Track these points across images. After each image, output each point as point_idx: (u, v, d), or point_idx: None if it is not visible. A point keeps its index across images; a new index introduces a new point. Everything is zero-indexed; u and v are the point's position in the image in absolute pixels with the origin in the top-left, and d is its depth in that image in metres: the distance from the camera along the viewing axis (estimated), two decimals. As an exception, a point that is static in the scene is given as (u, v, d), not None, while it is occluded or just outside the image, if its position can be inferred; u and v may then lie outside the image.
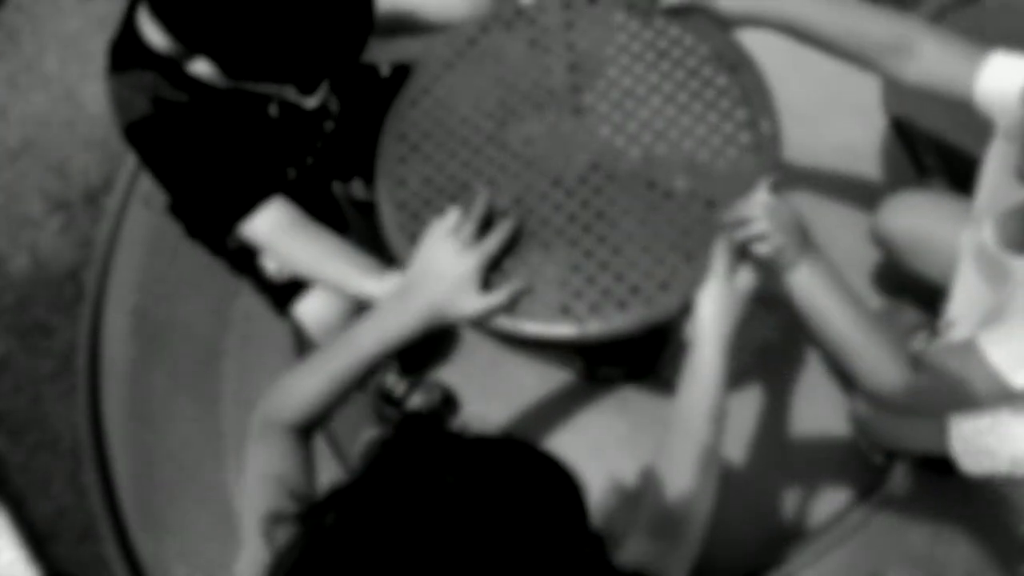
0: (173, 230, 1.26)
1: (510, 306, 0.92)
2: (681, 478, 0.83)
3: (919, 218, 1.19)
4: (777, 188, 0.93)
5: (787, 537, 1.36)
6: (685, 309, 0.91)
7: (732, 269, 0.89)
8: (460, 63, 1.09)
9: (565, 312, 0.92)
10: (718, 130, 0.98)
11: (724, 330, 0.87)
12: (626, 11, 1.07)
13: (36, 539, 1.58)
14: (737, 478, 1.42)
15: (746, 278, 0.90)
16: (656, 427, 0.91)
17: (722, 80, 1.00)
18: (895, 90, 1.31)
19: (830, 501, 1.37)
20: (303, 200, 1.05)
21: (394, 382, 1.53)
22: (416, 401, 1.50)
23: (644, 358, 1.50)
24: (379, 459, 0.53)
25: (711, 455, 0.85)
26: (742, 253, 0.90)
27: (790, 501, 1.39)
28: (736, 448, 1.44)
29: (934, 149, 1.35)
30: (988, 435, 1.02)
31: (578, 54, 1.05)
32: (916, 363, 0.87)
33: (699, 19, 1.04)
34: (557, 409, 1.52)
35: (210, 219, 1.06)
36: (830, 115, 1.62)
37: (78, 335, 1.76)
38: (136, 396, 1.68)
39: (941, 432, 1.07)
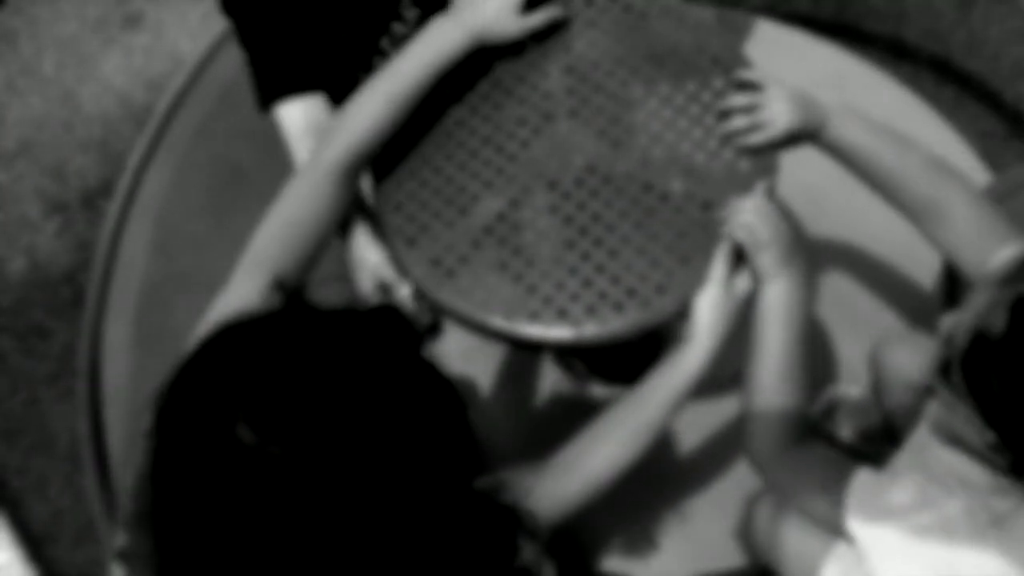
0: (173, 232, 1.26)
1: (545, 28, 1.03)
2: (603, 438, 0.88)
3: (908, 363, 1.16)
4: (772, 194, 0.93)
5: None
6: (682, 312, 0.91)
7: (731, 275, 0.90)
8: (456, 66, 1.09)
9: (562, 315, 0.92)
10: (714, 132, 0.98)
11: (717, 336, 0.88)
12: (623, 12, 1.07)
13: (33, 541, 1.58)
14: (730, 482, 1.42)
15: (744, 284, 0.90)
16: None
17: (719, 82, 1.01)
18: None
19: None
20: None
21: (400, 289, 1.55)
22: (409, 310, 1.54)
23: (639, 361, 1.50)
24: (351, 315, 0.58)
25: (644, 435, 0.88)
26: (739, 257, 0.90)
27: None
28: (730, 452, 1.44)
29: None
30: None
31: (574, 56, 1.05)
32: (808, 437, 0.88)
33: (696, 22, 1.05)
34: (540, 403, 1.53)
35: (265, 83, 1.08)
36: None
37: (78, 337, 1.76)
38: (135, 398, 1.68)
39: (812, 569, 1.01)
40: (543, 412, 1.53)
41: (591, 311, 0.92)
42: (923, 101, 1.71)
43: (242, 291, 0.79)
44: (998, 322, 0.67)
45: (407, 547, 0.53)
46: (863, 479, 0.82)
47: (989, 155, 1.63)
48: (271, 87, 1.05)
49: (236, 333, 0.56)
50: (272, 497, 0.49)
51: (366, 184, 1.06)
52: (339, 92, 1.04)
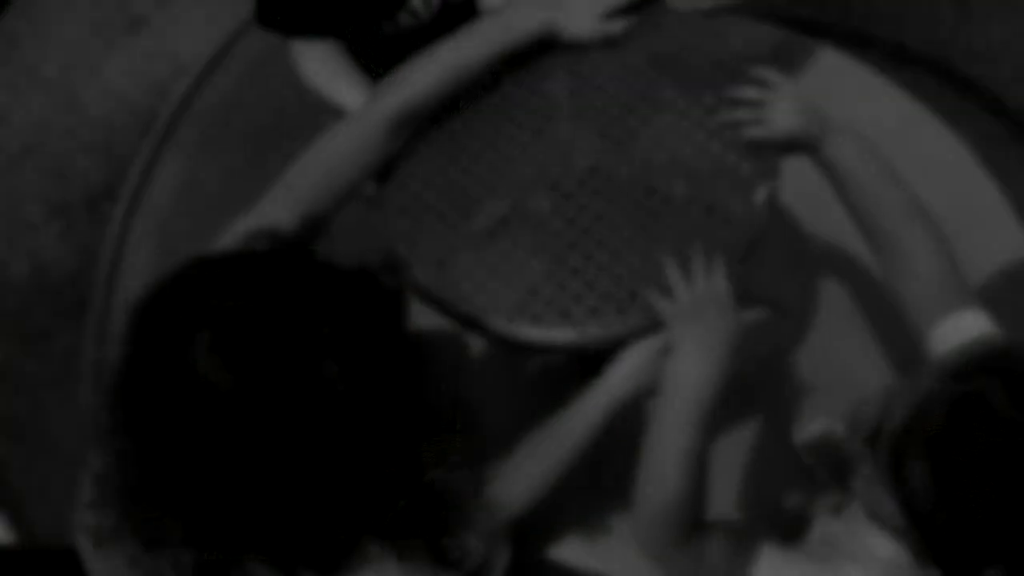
0: (177, 235, 1.26)
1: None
2: (537, 450, 0.90)
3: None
4: (774, 197, 0.93)
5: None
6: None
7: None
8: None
9: (564, 317, 0.93)
10: (717, 135, 0.99)
11: (630, 386, 0.89)
12: (625, 13, 1.07)
13: (35, 543, 1.58)
14: (730, 484, 1.42)
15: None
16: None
17: (721, 86, 1.00)
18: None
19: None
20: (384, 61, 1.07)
21: None
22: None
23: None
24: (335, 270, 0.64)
25: (565, 452, 0.89)
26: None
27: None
28: (734, 455, 1.44)
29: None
30: None
31: (577, 58, 1.06)
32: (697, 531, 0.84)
33: (699, 26, 1.05)
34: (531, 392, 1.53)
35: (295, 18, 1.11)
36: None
37: (81, 340, 1.76)
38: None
39: None
40: (542, 396, 1.53)
41: (594, 313, 0.92)
42: (924, 105, 1.71)
43: (273, 216, 0.81)
44: (937, 415, 0.64)
45: (332, 497, 0.59)
46: (769, 556, 0.79)
47: (990, 159, 1.64)
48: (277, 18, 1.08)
49: (224, 265, 0.61)
50: (219, 427, 0.54)
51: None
52: (360, 42, 1.05)
